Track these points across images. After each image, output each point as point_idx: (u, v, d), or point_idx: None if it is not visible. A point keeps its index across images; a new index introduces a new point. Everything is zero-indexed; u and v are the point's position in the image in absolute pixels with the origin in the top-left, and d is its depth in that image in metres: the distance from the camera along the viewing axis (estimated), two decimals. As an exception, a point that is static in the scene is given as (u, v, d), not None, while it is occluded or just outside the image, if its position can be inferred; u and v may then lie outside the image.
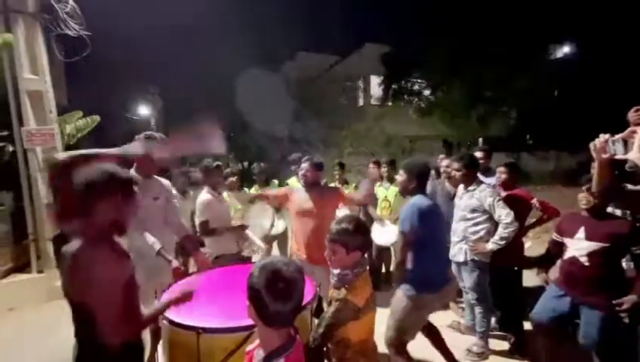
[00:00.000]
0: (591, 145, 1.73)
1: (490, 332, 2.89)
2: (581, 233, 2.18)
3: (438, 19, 15.15)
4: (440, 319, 3.39)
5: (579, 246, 2.18)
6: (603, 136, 1.64)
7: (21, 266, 4.22)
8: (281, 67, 22.42)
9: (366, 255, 1.64)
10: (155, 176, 2.44)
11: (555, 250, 2.39)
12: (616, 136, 1.56)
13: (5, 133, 3.92)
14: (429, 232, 2.20)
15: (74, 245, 1.23)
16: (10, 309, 3.80)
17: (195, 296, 1.47)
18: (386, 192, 4.00)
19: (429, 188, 3.52)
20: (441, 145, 18.03)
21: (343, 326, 1.44)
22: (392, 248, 3.98)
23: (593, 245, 2.11)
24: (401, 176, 2.40)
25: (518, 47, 14.78)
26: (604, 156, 1.63)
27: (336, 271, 1.51)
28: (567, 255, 2.25)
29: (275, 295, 0.99)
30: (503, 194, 2.93)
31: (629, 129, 1.54)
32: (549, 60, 17.59)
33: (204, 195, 2.90)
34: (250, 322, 1.13)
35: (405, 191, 2.39)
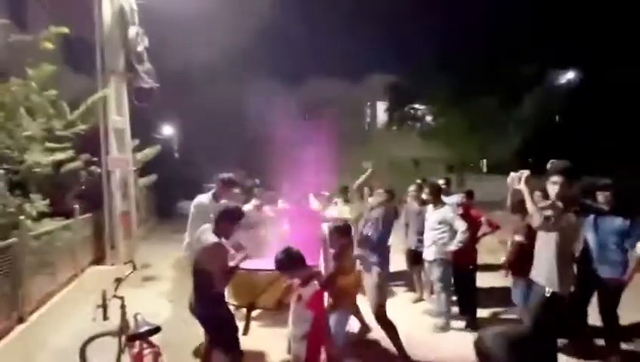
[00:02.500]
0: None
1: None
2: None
3: (440, 50, 16.29)
4: (417, 307, 4.50)
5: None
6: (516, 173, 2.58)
7: (97, 260, 5.47)
8: (294, 91, 24.09)
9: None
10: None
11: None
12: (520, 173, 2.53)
13: (95, 159, 5.24)
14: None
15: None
16: (91, 291, 5.00)
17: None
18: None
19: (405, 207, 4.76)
20: (443, 166, 19.13)
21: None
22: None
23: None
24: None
25: (520, 72, 15.87)
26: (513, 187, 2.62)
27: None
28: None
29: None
30: (461, 212, 4.08)
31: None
32: (552, 86, 18.55)
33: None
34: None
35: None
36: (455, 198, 4.42)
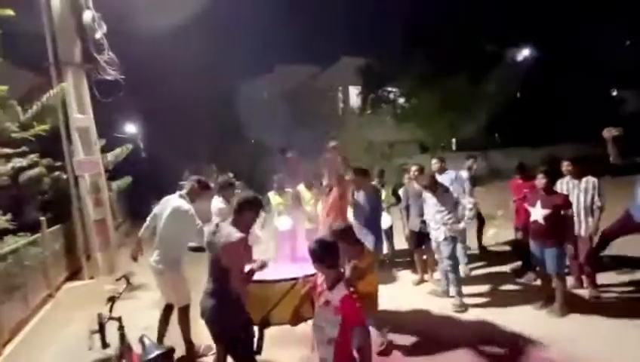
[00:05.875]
0: None
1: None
2: (539, 204, 3.45)
3: (410, 33, 16.39)
4: (422, 288, 4.47)
5: (538, 213, 3.46)
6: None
7: (72, 275, 4.96)
8: (262, 80, 23.32)
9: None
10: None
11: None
12: None
13: (59, 163, 4.66)
14: None
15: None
16: (72, 310, 4.53)
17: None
18: None
19: (404, 189, 4.71)
20: (417, 148, 19.45)
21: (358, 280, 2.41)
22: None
23: (546, 211, 3.40)
24: None
25: (482, 54, 16.30)
26: None
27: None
28: (532, 218, 3.54)
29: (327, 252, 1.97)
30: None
31: None
32: (511, 64, 19.27)
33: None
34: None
35: None
36: (464, 173, 4.73)
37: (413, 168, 4.53)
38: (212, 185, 4.75)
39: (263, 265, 2.38)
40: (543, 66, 19.32)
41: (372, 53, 16.78)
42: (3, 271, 3.17)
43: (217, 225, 2.26)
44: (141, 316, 4.09)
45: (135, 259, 3.27)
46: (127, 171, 8.09)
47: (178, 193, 3.21)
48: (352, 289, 1.96)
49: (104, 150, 6.45)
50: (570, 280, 3.99)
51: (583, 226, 3.86)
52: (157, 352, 1.95)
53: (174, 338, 3.19)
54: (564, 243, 3.48)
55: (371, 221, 3.65)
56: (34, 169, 4.22)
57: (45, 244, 4.18)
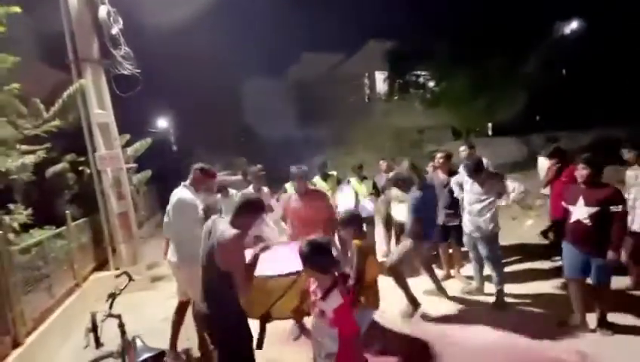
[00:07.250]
0: None
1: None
2: (581, 200, 2.81)
3: (440, 11, 15.34)
4: (448, 285, 4.15)
5: (581, 211, 2.80)
6: None
7: (100, 266, 5.16)
8: (288, 69, 23.20)
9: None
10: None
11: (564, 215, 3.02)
12: None
13: (82, 158, 4.80)
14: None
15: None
16: (97, 300, 4.71)
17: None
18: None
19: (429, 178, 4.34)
20: (449, 133, 18.46)
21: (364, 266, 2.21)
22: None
23: (592, 209, 2.74)
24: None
25: (523, 29, 14.87)
26: None
27: None
28: (572, 218, 2.87)
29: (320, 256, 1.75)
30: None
31: None
32: (555, 39, 17.53)
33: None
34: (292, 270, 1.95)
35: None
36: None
37: (439, 155, 4.14)
38: (240, 176, 4.71)
39: (265, 248, 2.15)
40: (593, 40, 17.37)
41: (400, 35, 15.94)
42: (27, 263, 3.29)
43: (213, 221, 2.12)
44: (163, 307, 4.14)
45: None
46: (158, 165, 8.33)
47: (182, 184, 3.11)
48: (351, 289, 1.77)
49: (130, 144, 6.63)
50: (626, 281, 3.52)
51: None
52: (146, 355, 1.87)
53: (188, 331, 3.17)
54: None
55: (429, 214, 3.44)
56: (58, 164, 4.35)
57: (71, 237, 4.33)
